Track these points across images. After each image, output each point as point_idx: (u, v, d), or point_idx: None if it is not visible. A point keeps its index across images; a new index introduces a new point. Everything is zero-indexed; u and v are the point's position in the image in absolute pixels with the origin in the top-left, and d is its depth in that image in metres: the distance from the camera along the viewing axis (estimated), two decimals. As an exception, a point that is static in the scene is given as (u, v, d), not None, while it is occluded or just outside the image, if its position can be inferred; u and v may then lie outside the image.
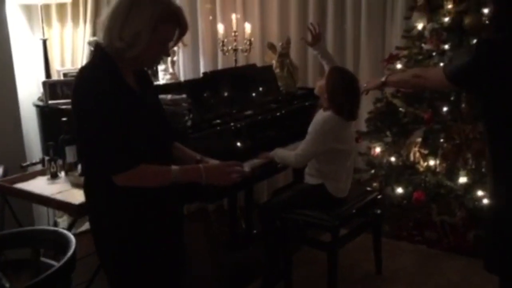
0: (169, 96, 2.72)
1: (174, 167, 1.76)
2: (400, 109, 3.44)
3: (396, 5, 3.60)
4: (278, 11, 4.02)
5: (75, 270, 1.97)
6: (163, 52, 1.76)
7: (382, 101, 3.50)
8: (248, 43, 3.87)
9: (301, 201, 2.82)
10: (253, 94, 3.20)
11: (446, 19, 3.24)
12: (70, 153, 2.74)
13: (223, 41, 3.90)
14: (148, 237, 1.78)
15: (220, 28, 3.95)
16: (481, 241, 3.08)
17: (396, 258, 3.27)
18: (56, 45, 3.98)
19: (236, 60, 3.93)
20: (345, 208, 2.81)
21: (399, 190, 3.38)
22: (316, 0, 3.84)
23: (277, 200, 2.91)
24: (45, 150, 3.04)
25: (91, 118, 1.64)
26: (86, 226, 3.28)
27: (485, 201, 3.06)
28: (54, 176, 2.72)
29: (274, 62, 3.52)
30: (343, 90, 2.64)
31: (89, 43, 3.89)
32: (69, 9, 3.96)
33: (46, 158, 2.83)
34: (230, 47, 3.91)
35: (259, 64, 3.74)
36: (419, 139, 3.34)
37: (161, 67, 3.77)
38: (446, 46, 3.25)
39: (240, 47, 3.92)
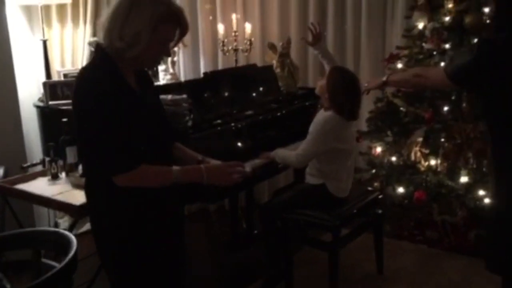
0: (169, 96, 2.71)
1: (175, 167, 1.76)
2: (401, 108, 3.43)
3: (397, 4, 3.59)
4: (279, 11, 4.01)
5: (76, 271, 1.96)
6: (163, 52, 1.76)
7: (383, 101, 3.49)
8: (248, 43, 3.87)
9: (302, 201, 2.82)
10: (254, 94, 3.19)
11: (447, 18, 3.24)
12: (71, 154, 2.74)
13: (223, 41, 3.90)
14: (148, 238, 1.78)
15: (221, 28, 3.95)
16: (482, 241, 3.08)
17: (397, 258, 3.26)
18: (56, 46, 3.98)
19: (236, 60, 3.93)
20: (346, 208, 2.80)
21: (400, 189, 3.37)
22: (316, 0, 3.84)
23: (278, 200, 2.91)
24: (46, 151, 3.03)
25: (92, 118, 1.64)
26: (87, 226, 3.28)
27: (486, 200, 3.06)
28: (54, 177, 2.72)
29: (274, 62, 3.51)
30: (344, 89, 2.64)
31: (90, 44, 3.88)
32: (69, 10, 3.95)
33: (47, 159, 2.82)
34: (230, 47, 3.90)
35: (259, 64, 3.74)
36: (420, 139, 3.34)
37: (161, 68, 3.77)
38: (447, 46, 3.24)
39: (240, 47, 3.92)
